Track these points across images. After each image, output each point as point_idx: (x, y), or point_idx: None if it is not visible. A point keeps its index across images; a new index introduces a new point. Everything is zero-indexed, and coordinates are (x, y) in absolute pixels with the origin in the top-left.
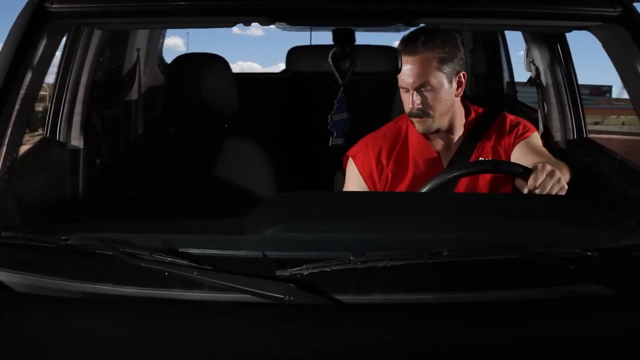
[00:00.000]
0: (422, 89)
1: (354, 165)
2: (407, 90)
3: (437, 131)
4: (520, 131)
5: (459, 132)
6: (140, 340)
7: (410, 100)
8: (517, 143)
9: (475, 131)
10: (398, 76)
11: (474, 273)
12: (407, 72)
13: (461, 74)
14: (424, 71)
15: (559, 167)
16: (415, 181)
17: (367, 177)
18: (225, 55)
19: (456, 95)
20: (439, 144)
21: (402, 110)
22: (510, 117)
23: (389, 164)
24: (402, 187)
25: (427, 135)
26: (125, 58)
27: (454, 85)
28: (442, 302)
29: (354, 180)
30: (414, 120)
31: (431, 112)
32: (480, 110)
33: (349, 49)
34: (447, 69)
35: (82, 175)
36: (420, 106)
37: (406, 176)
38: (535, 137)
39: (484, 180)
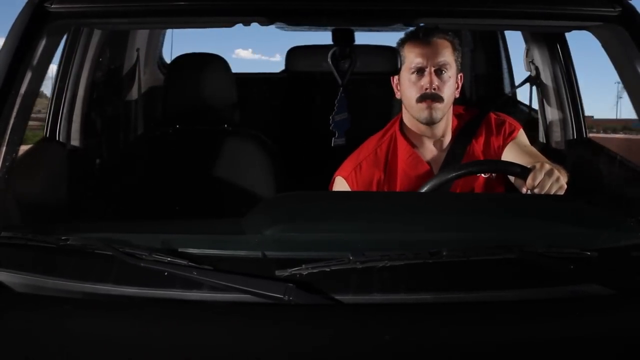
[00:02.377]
0: (440, 70)
1: (347, 187)
2: (421, 71)
3: (435, 134)
4: (507, 131)
5: (448, 138)
6: (140, 341)
7: (427, 80)
8: (507, 144)
9: (463, 135)
10: (407, 59)
11: (474, 273)
12: (425, 53)
13: (460, 74)
14: (443, 52)
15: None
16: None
17: None
18: None
19: (455, 96)
20: (429, 153)
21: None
22: (494, 116)
23: (385, 184)
24: None
25: (416, 146)
26: (125, 58)
27: (456, 82)
28: (441, 302)
29: None
30: (422, 107)
31: (443, 97)
32: (460, 110)
33: (349, 49)
34: (458, 58)
35: (81, 175)
36: (436, 88)
37: (397, 189)
38: (522, 135)
39: (477, 183)
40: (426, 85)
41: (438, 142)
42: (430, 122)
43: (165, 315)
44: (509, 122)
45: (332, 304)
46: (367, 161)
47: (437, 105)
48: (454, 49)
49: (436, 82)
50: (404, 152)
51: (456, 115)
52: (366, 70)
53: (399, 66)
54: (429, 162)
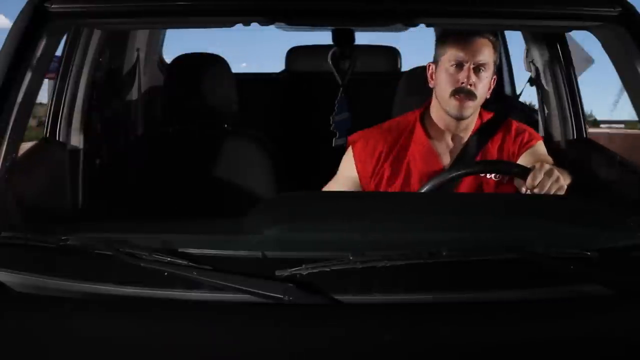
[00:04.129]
0: (479, 68)
1: (351, 152)
2: (461, 66)
3: (457, 130)
4: (525, 140)
5: (466, 136)
6: (140, 340)
7: (465, 75)
8: (522, 152)
9: (480, 136)
10: (449, 51)
11: (474, 273)
12: (468, 49)
13: (494, 77)
14: (484, 51)
15: (559, 172)
16: (411, 183)
17: (361, 168)
18: None
19: (487, 96)
20: (443, 148)
21: (402, 110)
22: (515, 125)
23: (387, 160)
24: (395, 187)
25: (433, 137)
26: (125, 58)
27: (490, 83)
28: (441, 302)
29: (347, 168)
30: (454, 101)
31: (477, 95)
32: (489, 115)
33: (349, 49)
34: (496, 60)
35: (81, 175)
36: (472, 85)
37: (401, 177)
38: (541, 146)
39: (487, 185)
40: (463, 80)
41: (455, 138)
42: (459, 117)
43: (165, 315)
44: (529, 132)
45: (332, 304)
46: (381, 133)
47: (469, 102)
48: (495, 50)
49: (473, 78)
50: (419, 140)
51: (479, 117)
52: (366, 70)
53: (399, 66)
54: (440, 156)
